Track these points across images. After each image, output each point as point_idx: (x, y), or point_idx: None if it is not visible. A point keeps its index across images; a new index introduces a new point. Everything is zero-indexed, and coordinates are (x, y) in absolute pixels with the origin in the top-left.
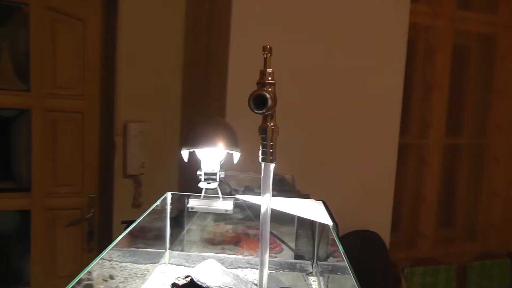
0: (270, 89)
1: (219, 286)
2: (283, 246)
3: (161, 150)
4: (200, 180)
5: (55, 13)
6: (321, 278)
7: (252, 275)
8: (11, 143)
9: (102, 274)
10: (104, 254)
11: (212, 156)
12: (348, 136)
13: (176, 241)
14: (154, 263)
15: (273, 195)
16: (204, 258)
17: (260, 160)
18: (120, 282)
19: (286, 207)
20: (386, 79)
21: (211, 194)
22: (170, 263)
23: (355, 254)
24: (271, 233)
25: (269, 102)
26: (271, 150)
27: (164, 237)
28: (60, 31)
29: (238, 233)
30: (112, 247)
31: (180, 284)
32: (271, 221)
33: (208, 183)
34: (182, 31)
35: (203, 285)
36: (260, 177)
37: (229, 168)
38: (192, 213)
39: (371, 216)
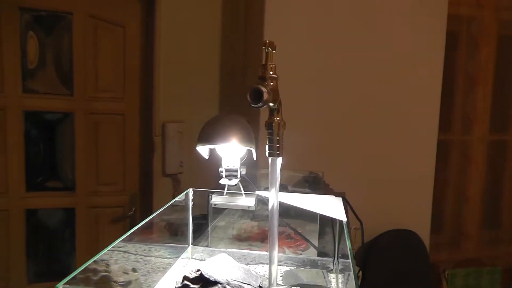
0: (272, 83)
1: (227, 280)
2: (311, 243)
3: None
4: (221, 177)
5: (96, 20)
6: (340, 275)
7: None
8: (56, 144)
9: (124, 267)
10: (115, 244)
11: (232, 153)
12: (385, 132)
13: (201, 237)
14: (177, 257)
15: (306, 193)
16: (228, 254)
17: (267, 155)
18: (142, 275)
19: (304, 204)
20: (424, 73)
21: (234, 191)
22: (193, 258)
23: (393, 253)
24: (295, 230)
25: (265, 96)
26: (278, 145)
27: (187, 233)
28: (101, 37)
29: (264, 229)
30: (137, 241)
31: (191, 277)
32: (296, 218)
33: (230, 179)
34: (219, 32)
35: (211, 279)
36: (297, 175)
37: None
38: (219, 209)
39: (409, 215)
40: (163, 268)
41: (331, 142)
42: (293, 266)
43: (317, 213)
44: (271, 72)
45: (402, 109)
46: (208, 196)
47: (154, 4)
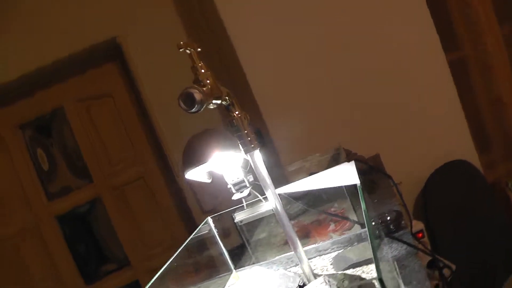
0: (208, 80)
1: None
2: (351, 220)
3: None
4: (233, 194)
5: (85, 101)
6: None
7: (320, 261)
8: (95, 231)
9: None
10: None
11: (230, 165)
12: (393, 81)
13: (243, 258)
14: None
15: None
16: (272, 263)
17: (243, 153)
18: None
19: (319, 183)
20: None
21: (250, 200)
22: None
23: (449, 192)
24: (328, 213)
25: (197, 96)
26: (249, 138)
27: (225, 259)
28: (96, 114)
29: (304, 224)
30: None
31: None
32: (329, 201)
33: (241, 192)
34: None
35: None
36: (324, 158)
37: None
38: (251, 224)
39: (450, 146)
40: None
41: (345, 112)
42: (340, 249)
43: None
44: (202, 71)
45: (397, 43)
46: (231, 216)
47: (127, 65)
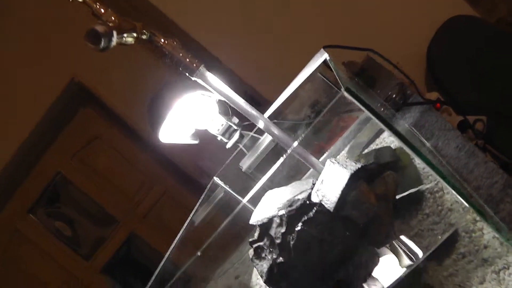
0: (113, 17)
1: (276, 211)
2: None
3: None
4: (226, 144)
5: (77, 154)
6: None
7: None
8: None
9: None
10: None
11: (208, 117)
12: None
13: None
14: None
15: None
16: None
17: (192, 77)
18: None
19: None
20: None
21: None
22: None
23: (454, 46)
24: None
25: (100, 29)
26: (187, 59)
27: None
28: (94, 160)
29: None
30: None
31: (256, 237)
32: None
33: (231, 137)
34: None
35: (264, 222)
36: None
37: None
38: (259, 170)
39: (437, 7)
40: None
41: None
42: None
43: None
44: (102, 10)
45: None
46: (239, 167)
47: (100, 100)
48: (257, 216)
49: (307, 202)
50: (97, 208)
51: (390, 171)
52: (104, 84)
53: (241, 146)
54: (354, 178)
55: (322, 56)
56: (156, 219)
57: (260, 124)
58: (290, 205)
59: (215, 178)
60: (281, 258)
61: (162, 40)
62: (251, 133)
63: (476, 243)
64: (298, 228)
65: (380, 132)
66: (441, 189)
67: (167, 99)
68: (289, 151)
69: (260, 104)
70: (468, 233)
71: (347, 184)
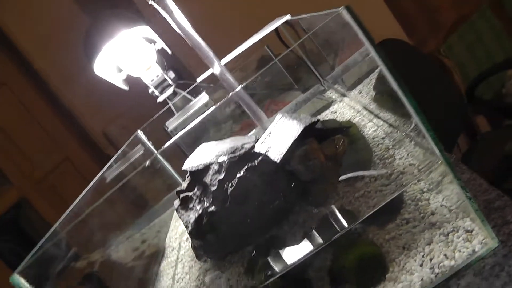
0: None
1: (215, 157)
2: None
3: None
4: (157, 98)
5: None
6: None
7: None
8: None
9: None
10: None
11: (144, 64)
12: None
13: None
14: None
15: None
16: None
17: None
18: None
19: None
20: None
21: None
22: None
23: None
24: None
25: None
26: None
27: (167, 172)
28: None
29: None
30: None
31: (184, 187)
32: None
33: (163, 93)
34: None
35: (199, 167)
36: None
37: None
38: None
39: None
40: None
41: None
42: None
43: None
44: None
45: None
46: (163, 127)
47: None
48: (191, 163)
49: (252, 151)
50: None
51: (340, 135)
52: (18, 26)
53: (170, 104)
54: (306, 133)
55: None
56: (51, 187)
57: (215, 69)
58: (233, 152)
59: (138, 131)
60: (213, 207)
61: None
62: (184, 93)
63: (422, 210)
64: (240, 174)
65: (322, 110)
66: (392, 155)
67: (107, 30)
68: (238, 89)
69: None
70: (414, 201)
71: (299, 136)
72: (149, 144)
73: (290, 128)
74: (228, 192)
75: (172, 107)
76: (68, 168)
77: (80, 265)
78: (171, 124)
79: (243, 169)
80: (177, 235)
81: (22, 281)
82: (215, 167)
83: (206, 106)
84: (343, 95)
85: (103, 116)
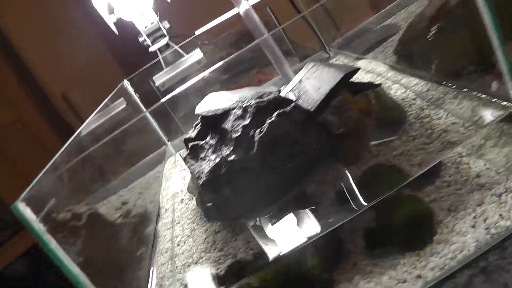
0: None
1: (236, 102)
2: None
3: None
4: (148, 47)
5: None
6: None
7: None
8: None
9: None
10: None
11: (140, 8)
12: None
13: (177, 130)
14: (162, 163)
15: None
16: None
17: None
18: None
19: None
20: None
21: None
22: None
23: None
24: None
25: None
26: None
27: (156, 133)
28: None
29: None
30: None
31: (193, 136)
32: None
33: (155, 43)
34: None
35: (217, 113)
36: None
37: None
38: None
39: None
40: (154, 179)
41: None
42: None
43: None
44: None
45: None
46: (150, 81)
47: None
48: (205, 108)
49: (282, 97)
50: None
51: (372, 90)
52: None
53: (160, 56)
54: (343, 82)
55: None
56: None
57: (242, 7)
58: (260, 97)
59: (125, 81)
60: (234, 156)
61: None
62: (176, 47)
63: (464, 173)
64: (272, 119)
65: None
66: (428, 115)
67: None
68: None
69: None
70: (455, 164)
71: (337, 85)
72: (137, 99)
73: (326, 75)
74: (256, 139)
75: (162, 61)
76: (20, 131)
77: (63, 217)
78: (158, 79)
79: (275, 114)
80: (168, 196)
81: None
82: (238, 112)
83: (198, 63)
84: (358, 58)
85: (63, 78)
